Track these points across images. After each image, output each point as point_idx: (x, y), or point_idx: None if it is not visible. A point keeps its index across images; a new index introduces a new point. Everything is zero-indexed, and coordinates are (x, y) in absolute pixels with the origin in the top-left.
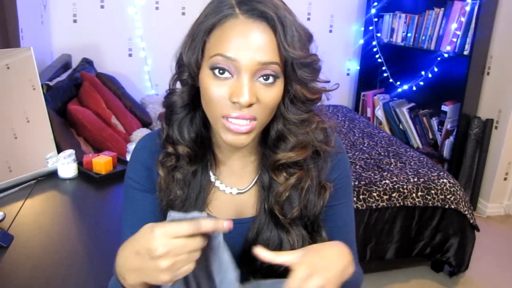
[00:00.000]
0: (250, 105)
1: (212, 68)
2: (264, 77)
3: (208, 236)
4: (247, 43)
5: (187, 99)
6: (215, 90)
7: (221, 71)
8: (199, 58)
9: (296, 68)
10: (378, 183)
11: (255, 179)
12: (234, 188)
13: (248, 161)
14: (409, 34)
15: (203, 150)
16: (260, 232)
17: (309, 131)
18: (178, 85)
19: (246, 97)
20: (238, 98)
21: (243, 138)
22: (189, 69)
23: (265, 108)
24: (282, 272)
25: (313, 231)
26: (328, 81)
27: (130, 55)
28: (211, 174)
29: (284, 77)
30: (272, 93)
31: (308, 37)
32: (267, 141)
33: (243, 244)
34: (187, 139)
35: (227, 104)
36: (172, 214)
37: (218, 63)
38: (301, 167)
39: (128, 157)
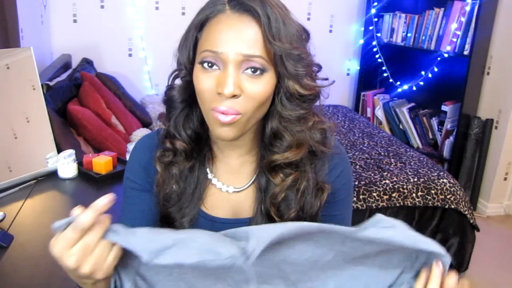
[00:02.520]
0: (234, 96)
1: (202, 63)
2: (251, 69)
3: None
4: (232, 36)
5: (185, 94)
6: (204, 82)
7: (209, 64)
8: (191, 55)
9: (285, 61)
10: (378, 183)
11: (253, 179)
12: (231, 186)
13: (245, 160)
14: (409, 34)
15: (200, 146)
16: None
17: (305, 128)
18: (178, 82)
19: (230, 88)
20: (222, 89)
21: (229, 130)
22: (184, 67)
23: (250, 100)
24: None
25: None
26: (326, 79)
27: (130, 55)
28: (208, 171)
29: (276, 73)
30: (258, 85)
31: (301, 34)
32: (264, 139)
33: None
34: (183, 135)
35: (214, 96)
36: (55, 225)
37: (206, 57)
38: (297, 168)
39: (128, 157)
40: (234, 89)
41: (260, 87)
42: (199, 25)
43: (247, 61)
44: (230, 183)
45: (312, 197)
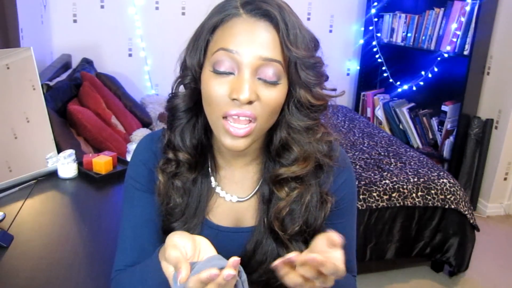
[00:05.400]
0: (250, 103)
1: (214, 66)
2: (266, 77)
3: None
4: (249, 39)
5: (190, 102)
6: (216, 88)
7: (222, 68)
8: (201, 58)
9: (299, 69)
10: (378, 183)
11: (256, 188)
12: (235, 196)
13: (250, 169)
14: (409, 34)
15: (204, 157)
16: (259, 245)
17: (313, 140)
18: (181, 89)
19: (246, 94)
20: (238, 95)
21: (241, 142)
22: (192, 71)
23: (265, 108)
24: (280, 285)
25: None
26: (335, 89)
27: (130, 55)
28: (212, 179)
29: (288, 81)
30: (273, 93)
31: (313, 41)
32: (271, 149)
33: (241, 254)
34: (188, 146)
35: (227, 102)
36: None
37: (220, 58)
38: (302, 182)
39: (128, 157)
40: (251, 95)
41: (275, 94)
42: (212, 28)
43: (264, 66)
44: (234, 192)
45: (317, 209)
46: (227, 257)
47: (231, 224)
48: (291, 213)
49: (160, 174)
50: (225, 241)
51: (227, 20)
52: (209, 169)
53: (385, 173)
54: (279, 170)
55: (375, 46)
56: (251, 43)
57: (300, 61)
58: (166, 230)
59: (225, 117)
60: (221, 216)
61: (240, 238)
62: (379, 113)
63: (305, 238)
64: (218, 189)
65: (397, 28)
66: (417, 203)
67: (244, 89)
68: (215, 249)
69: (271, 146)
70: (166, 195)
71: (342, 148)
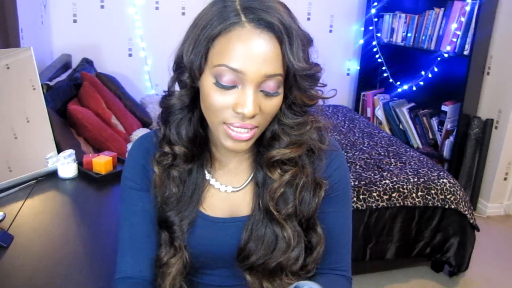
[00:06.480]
0: (253, 116)
1: (216, 78)
2: (269, 89)
3: None
4: (253, 55)
5: (186, 99)
6: (219, 99)
7: (225, 82)
8: (202, 63)
9: (298, 78)
10: (378, 183)
11: (250, 177)
12: (229, 186)
13: (243, 158)
14: (409, 34)
15: (200, 149)
16: (256, 227)
17: (303, 132)
18: (176, 86)
19: (251, 108)
20: (243, 109)
21: (243, 145)
22: (190, 71)
23: (266, 117)
24: (274, 267)
25: (308, 228)
26: (325, 85)
27: (130, 55)
28: (206, 172)
29: (284, 86)
30: (273, 103)
31: (308, 43)
32: (262, 140)
33: (239, 242)
34: (184, 140)
35: (230, 113)
36: None
37: (223, 73)
38: (295, 164)
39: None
40: (255, 109)
41: (275, 103)
42: (213, 37)
43: (266, 81)
44: (229, 182)
45: (310, 193)
46: (223, 246)
47: (226, 214)
48: (285, 195)
49: (156, 166)
50: (220, 230)
51: (230, 30)
52: (204, 161)
53: (385, 173)
54: (272, 152)
55: (375, 46)
56: (254, 60)
57: (300, 72)
58: (161, 221)
59: (226, 124)
60: (216, 207)
61: (236, 227)
62: (379, 113)
63: (300, 220)
64: (212, 181)
65: (397, 28)
66: (417, 203)
67: (249, 104)
68: (211, 239)
69: (264, 138)
70: (162, 186)
71: (331, 136)
